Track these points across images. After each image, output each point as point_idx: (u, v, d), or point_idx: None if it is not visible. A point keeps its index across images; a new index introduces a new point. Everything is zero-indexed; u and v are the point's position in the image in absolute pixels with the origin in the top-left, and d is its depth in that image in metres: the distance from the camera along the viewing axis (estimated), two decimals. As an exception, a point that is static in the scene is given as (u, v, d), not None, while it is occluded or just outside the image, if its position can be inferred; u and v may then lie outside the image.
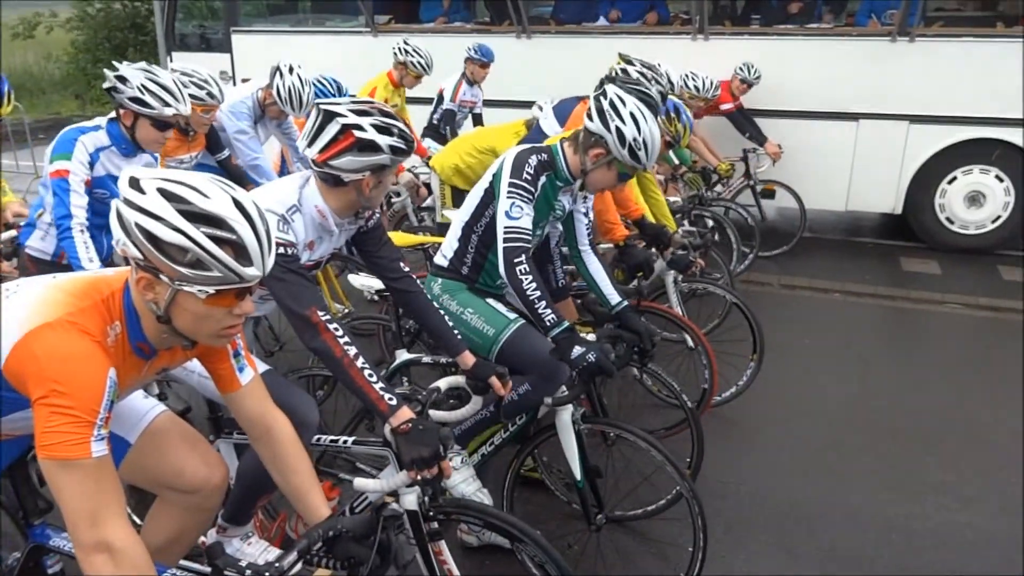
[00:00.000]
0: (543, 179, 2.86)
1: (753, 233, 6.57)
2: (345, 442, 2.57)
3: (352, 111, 2.31)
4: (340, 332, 2.27)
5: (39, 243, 3.41)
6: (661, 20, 8.00)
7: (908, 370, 4.98)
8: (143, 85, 3.11)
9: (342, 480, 2.90)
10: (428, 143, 6.57)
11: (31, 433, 1.55)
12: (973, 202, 7.12)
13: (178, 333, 1.70)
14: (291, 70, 4.73)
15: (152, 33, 14.95)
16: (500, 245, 2.78)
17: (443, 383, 2.61)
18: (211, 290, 1.60)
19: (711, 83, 6.39)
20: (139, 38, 15.98)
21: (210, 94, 4.00)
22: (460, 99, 6.64)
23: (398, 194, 5.98)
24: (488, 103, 7.02)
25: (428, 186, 5.89)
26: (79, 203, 3.12)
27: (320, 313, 2.27)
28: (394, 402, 2.18)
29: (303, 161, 4.82)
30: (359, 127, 2.29)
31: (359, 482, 2.19)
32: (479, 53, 6.60)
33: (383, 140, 2.29)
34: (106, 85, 3.18)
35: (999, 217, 7.09)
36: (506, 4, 7.84)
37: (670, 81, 5.58)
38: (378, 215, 2.66)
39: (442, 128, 6.71)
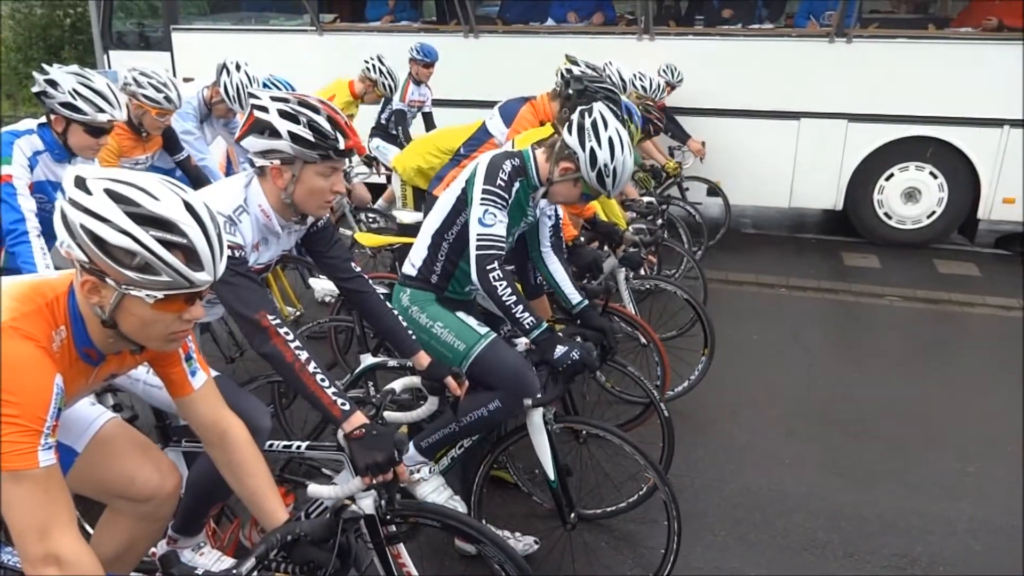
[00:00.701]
0: (517, 184, 2.82)
1: (700, 229, 6.68)
2: (299, 447, 2.52)
3: (271, 96, 2.26)
4: (291, 337, 2.22)
5: None
6: (607, 21, 8.07)
7: (852, 361, 5.12)
8: (75, 90, 3.00)
9: (298, 486, 2.84)
10: (377, 143, 6.51)
11: None
12: (909, 198, 7.36)
13: (124, 337, 1.65)
14: (238, 67, 4.63)
15: (86, 31, 14.52)
16: (473, 252, 2.73)
17: (397, 384, 2.58)
18: (159, 295, 1.56)
19: (658, 84, 6.46)
20: (76, 37, 15.47)
21: (167, 98, 3.93)
22: (409, 99, 6.61)
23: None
24: (437, 103, 6.99)
25: (376, 186, 5.85)
26: (29, 207, 3.02)
27: (270, 317, 2.22)
28: (347, 407, 2.14)
29: (250, 161, 4.75)
30: (263, 108, 2.23)
31: (313, 488, 2.14)
32: (421, 53, 6.57)
33: (283, 125, 2.20)
34: (35, 89, 3.05)
35: (934, 212, 7.35)
36: (453, 3, 7.82)
37: (622, 79, 5.65)
38: (327, 215, 2.60)
39: (392, 128, 6.66)
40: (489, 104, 7.52)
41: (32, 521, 1.45)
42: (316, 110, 2.22)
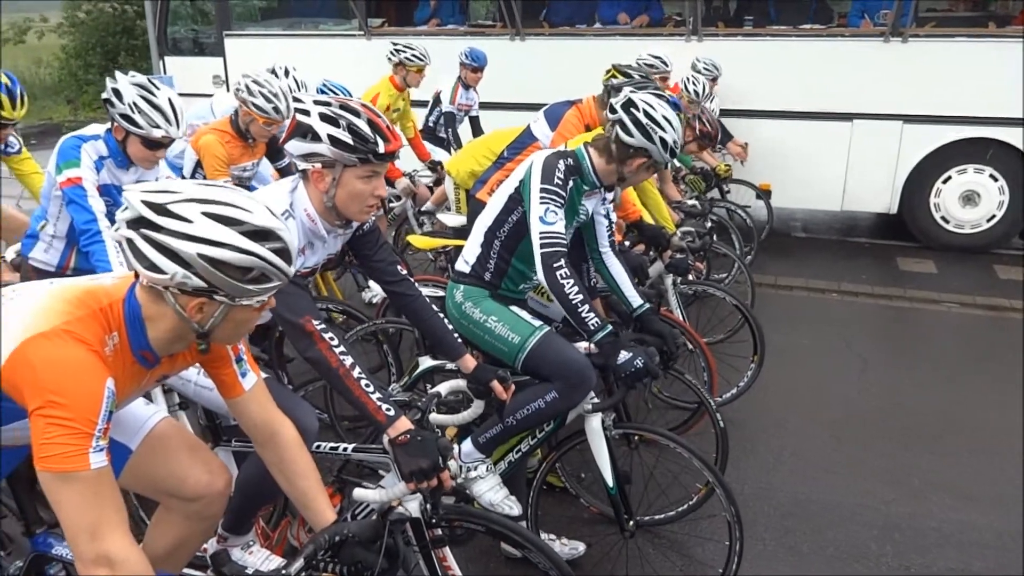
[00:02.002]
0: (571, 183, 2.82)
1: (751, 234, 6.57)
2: (345, 449, 2.54)
3: (313, 100, 2.27)
4: (335, 342, 2.24)
5: (42, 255, 3.37)
6: (654, 22, 8.00)
7: (907, 369, 4.99)
8: (135, 103, 3.05)
9: (346, 486, 2.87)
10: (427, 146, 6.54)
11: (30, 443, 1.52)
12: (968, 201, 7.14)
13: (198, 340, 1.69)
14: (287, 72, 4.70)
15: (143, 37, 14.94)
16: (537, 251, 2.72)
17: (443, 388, 2.59)
18: (266, 297, 1.65)
19: (706, 88, 6.37)
20: (130, 42, 15.93)
21: (276, 109, 3.98)
22: (458, 103, 6.63)
23: (397, 198, 5.96)
24: (484, 105, 7.00)
25: (431, 188, 5.89)
26: (99, 207, 3.09)
27: (315, 322, 2.24)
28: (392, 412, 2.15)
29: (294, 165, 4.83)
30: (305, 112, 2.24)
31: (359, 492, 2.16)
32: (470, 58, 6.59)
33: (323, 128, 2.20)
34: (104, 96, 3.13)
35: (994, 216, 7.12)
36: (500, 7, 7.85)
37: (656, 59, 5.79)
38: (373, 219, 2.62)
39: (441, 131, 6.70)
40: (535, 107, 7.52)
41: (83, 522, 1.48)
42: (357, 113, 2.23)
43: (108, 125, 3.19)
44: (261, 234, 1.60)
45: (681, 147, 2.94)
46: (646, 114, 2.81)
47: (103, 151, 3.19)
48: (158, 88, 3.13)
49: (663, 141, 2.80)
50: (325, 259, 2.60)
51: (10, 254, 3.63)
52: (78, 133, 3.21)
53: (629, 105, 2.85)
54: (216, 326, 1.66)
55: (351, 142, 2.20)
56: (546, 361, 2.78)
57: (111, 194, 3.22)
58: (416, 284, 2.70)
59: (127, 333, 1.68)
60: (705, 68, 6.79)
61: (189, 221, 1.56)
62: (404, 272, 2.66)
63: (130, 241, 1.58)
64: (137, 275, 1.65)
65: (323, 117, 2.21)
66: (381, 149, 2.22)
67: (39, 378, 1.50)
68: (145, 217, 1.57)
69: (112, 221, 3.09)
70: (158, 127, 3.08)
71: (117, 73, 3.19)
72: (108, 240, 3.04)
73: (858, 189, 7.33)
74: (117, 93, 3.07)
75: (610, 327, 2.72)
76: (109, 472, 1.53)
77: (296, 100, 2.35)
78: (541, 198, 2.74)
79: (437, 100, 6.77)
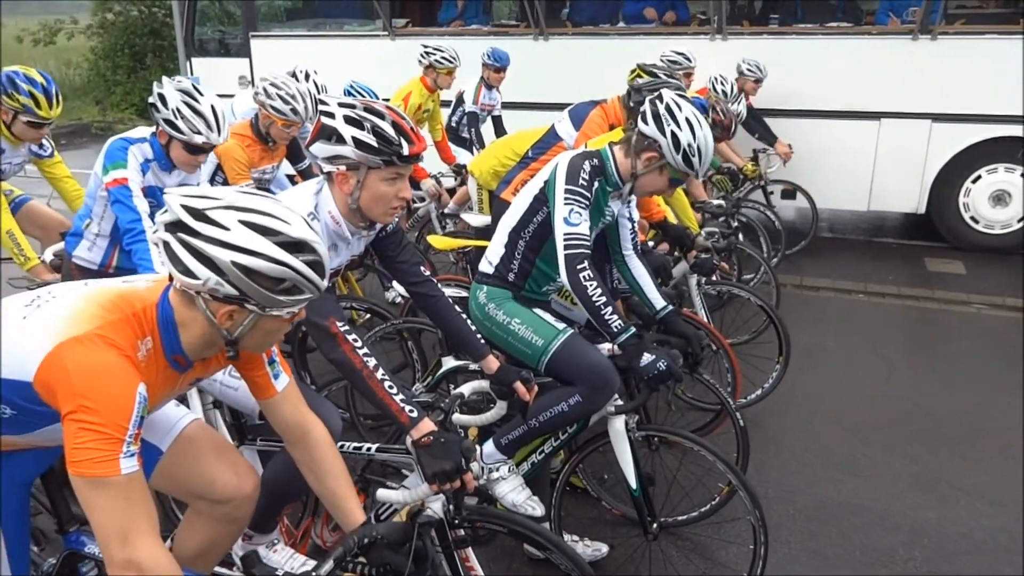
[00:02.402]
0: (596, 184, 2.81)
1: (779, 235, 6.51)
2: (368, 449, 2.56)
3: (338, 103, 2.27)
4: (359, 343, 2.26)
5: (86, 253, 3.43)
6: (680, 20, 7.95)
7: (935, 372, 4.92)
8: (178, 109, 3.10)
9: (369, 484, 2.88)
10: (452, 149, 6.55)
11: (63, 444, 1.54)
12: (998, 201, 7.02)
13: (226, 345, 1.71)
14: (307, 76, 4.73)
15: (170, 38, 15.10)
16: (561, 252, 2.71)
17: (466, 388, 2.59)
18: (296, 308, 1.65)
19: (734, 87, 6.33)
20: (157, 43, 16.11)
21: (294, 110, 4.02)
22: (480, 103, 6.64)
23: (422, 199, 5.98)
24: (507, 105, 7.00)
25: (452, 192, 5.90)
26: (143, 208, 3.16)
27: (339, 324, 2.25)
28: (415, 414, 2.17)
29: (319, 167, 4.86)
30: (330, 115, 2.25)
31: (383, 493, 2.17)
32: (493, 58, 6.59)
33: (348, 130, 2.20)
34: (150, 100, 3.18)
35: (1024, 217, 7.00)
36: (523, 6, 7.85)
37: (680, 54, 5.93)
38: (396, 221, 2.61)
39: (464, 131, 6.71)
40: (559, 107, 7.51)
41: (113, 527, 1.50)
42: (381, 116, 2.23)
43: (154, 128, 3.24)
44: (296, 245, 1.60)
45: (702, 162, 2.81)
46: (667, 107, 2.78)
47: (149, 154, 3.25)
48: (202, 95, 3.17)
49: (675, 137, 2.75)
50: (348, 260, 2.62)
51: (48, 255, 3.69)
52: (125, 135, 3.27)
53: (657, 97, 2.83)
54: (245, 334, 1.67)
55: (375, 144, 2.21)
56: (569, 364, 2.78)
57: (155, 195, 3.29)
58: (439, 285, 2.71)
59: (160, 337, 1.69)
60: (748, 69, 6.76)
61: (226, 228, 1.57)
62: (427, 273, 2.67)
63: (167, 244, 1.59)
64: (171, 279, 1.66)
65: (348, 119, 2.22)
66: (405, 151, 2.23)
67: (72, 382, 1.52)
68: (183, 221, 1.58)
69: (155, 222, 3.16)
70: (199, 133, 3.13)
71: (164, 78, 3.23)
72: (150, 239, 3.09)
73: (886, 189, 7.23)
74: (162, 98, 3.12)
75: (633, 329, 2.71)
76: (140, 477, 1.55)
77: (322, 103, 2.36)
78: (566, 199, 2.73)
79: (460, 100, 6.78)
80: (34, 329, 1.62)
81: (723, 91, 6.01)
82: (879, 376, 4.85)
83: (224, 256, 1.55)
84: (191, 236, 1.57)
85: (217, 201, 1.61)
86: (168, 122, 3.12)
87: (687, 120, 2.76)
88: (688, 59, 6.12)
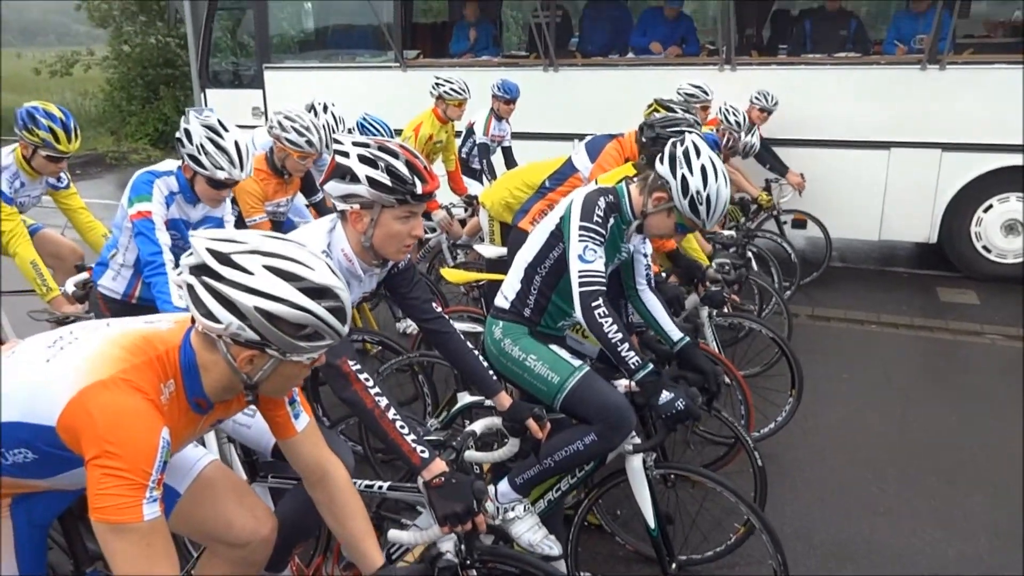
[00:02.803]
0: (611, 220, 2.80)
1: (793, 267, 6.48)
2: (380, 488, 2.54)
3: (353, 142, 2.29)
4: (371, 383, 2.26)
5: (111, 283, 3.46)
6: (687, 53, 7.99)
7: (951, 404, 4.86)
8: (202, 145, 3.14)
9: (384, 521, 2.85)
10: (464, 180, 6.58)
11: (83, 486, 1.53)
12: (1010, 230, 6.99)
13: (245, 389, 1.70)
14: (325, 108, 4.77)
15: (183, 68, 15.32)
16: (576, 289, 2.70)
17: (478, 426, 2.58)
18: (316, 355, 1.65)
19: (746, 118, 6.34)
20: (171, 73, 16.34)
21: (309, 142, 4.05)
22: (492, 133, 6.68)
23: (433, 230, 6.00)
24: (518, 135, 7.04)
25: (463, 223, 5.92)
26: (166, 241, 3.19)
27: (351, 363, 2.25)
28: (426, 454, 2.16)
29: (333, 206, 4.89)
30: (344, 154, 2.26)
31: (394, 534, 2.15)
32: (502, 90, 6.65)
33: (362, 170, 2.22)
34: (176, 135, 3.22)
35: (1037, 245, 6.96)
36: (533, 38, 7.93)
37: (698, 87, 5.97)
38: (408, 257, 2.61)
39: (475, 162, 6.75)
40: (569, 137, 7.60)
41: (135, 573, 1.49)
42: (395, 155, 2.25)
43: (180, 162, 3.28)
44: (318, 291, 1.60)
45: (710, 213, 2.76)
46: (685, 151, 2.77)
47: (174, 187, 3.29)
48: (226, 130, 3.20)
49: (684, 182, 2.72)
50: (360, 298, 2.62)
51: (69, 286, 3.72)
52: (152, 168, 3.32)
53: (680, 141, 2.82)
54: (265, 379, 1.67)
55: (389, 183, 2.22)
56: (586, 402, 2.76)
57: (179, 228, 3.33)
58: (451, 320, 2.70)
59: (183, 380, 1.69)
60: (756, 98, 6.80)
61: (250, 273, 1.57)
62: (439, 309, 2.67)
63: (191, 287, 1.60)
64: (193, 320, 1.66)
65: (362, 159, 2.24)
66: (419, 190, 2.24)
67: (96, 426, 1.52)
68: (208, 265, 1.59)
69: (176, 255, 3.19)
70: (222, 169, 3.16)
71: (190, 113, 3.28)
72: (170, 273, 3.13)
73: (896, 218, 7.22)
74: (187, 133, 3.16)
75: (651, 366, 2.69)
76: (162, 522, 1.54)
77: (336, 141, 2.37)
78: (580, 236, 2.73)
79: (470, 132, 6.84)
80: (58, 373, 1.62)
81: (736, 121, 6.03)
82: (895, 408, 4.80)
83: (247, 301, 1.56)
84: (215, 280, 1.58)
85: (243, 245, 1.61)
86: (192, 157, 3.16)
87: (702, 167, 2.73)
88: (705, 92, 6.13)
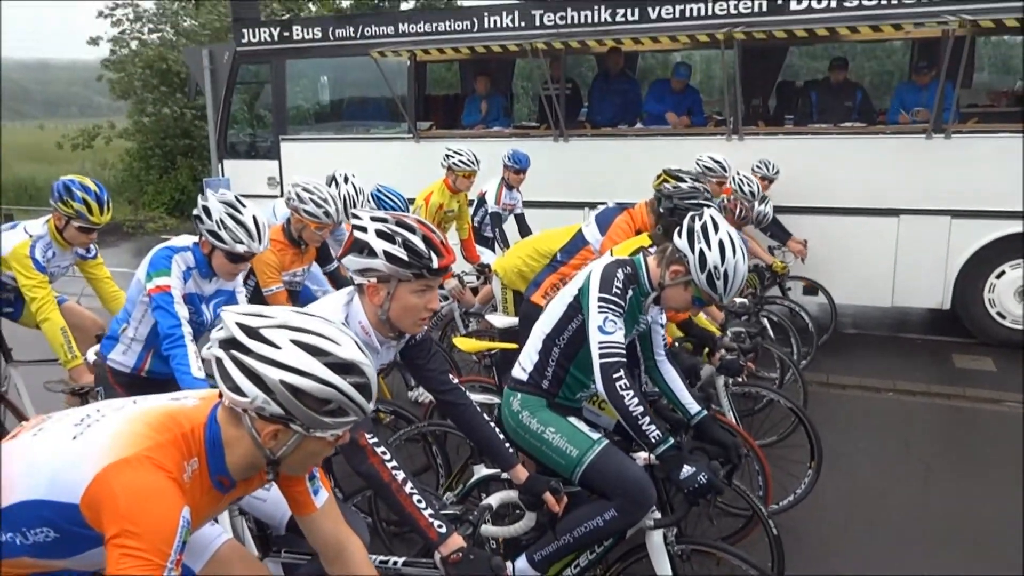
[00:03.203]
0: (630, 292, 2.82)
1: (809, 334, 6.43)
2: (396, 563, 2.49)
3: (371, 217, 2.33)
4: (388, 456, 2.25)
5: (120, 356, 3.46)
6: (694, 124, 8.15)
7: (973, 475, 4.77)
8: (222, 220, 3.22)
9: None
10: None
11: (104, 567, 1.51)
12: (1024, 296, 6.98)
13: (268, 466, 1.69)
14: (346, 179, 4.87)
15: (200, 139, 15.71)
16: (596, 361, 2.70)
17: (494, 499, 2.55)
18: (340, 431, 1.64)
19: (759, 188, 6.41)
20: (188, 143, 16.76)
21: (327, 213, 4.13)
22: (503, 202, 6.77)
23: (445, 298, 6.03)
24: (529, 204, 7.13)
25: (475, 291, 5.95)
26: (184, 314, 3.22)
27: (368, 437, 2.25)
28: (443, 529, 2.14)
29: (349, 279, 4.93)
30: (363, 228, 2.30)
31: None
32: (512, 160, 6.77)
33: (379, 244, 2.25)
34: (195, 212, 3.29)
35: (1053, 311, 6.92)
36: (544, 109, 8.12)
37: (717, 163, 5.90)
38: (425, 328, 2.61)
39: (487, 231, 6.82)
40: (580, 205, 7.69)
41: None
42: (412, 230, 2.29)
43: (196, 238, 3.35)
44: (344, 367, 1.60)
45: (727, 287, 2.76)
46: (703, 226, 2.79)
47: (191, 262, 3.34)
48: (244, 206, 3.28)
49: (702, 256, 2.73)
50: (377, 370, 2.62)
51: (91, 355, 3.75)
52: (170, 244, 3.37)
53: (699, 215, 2.84)
54: (288, 455, 1.67)
55: (406, 258, 2.26)
56: (605, 476, 2.73)
57: (194, 303, 3.37)
58: (466, 391, 2.69)
59: (207, 458, 1.69)
60: (757, 167, 6.88)
61: (277, 347, 1.58)
62: (455, 380, 2.67)
63: (219, 360, 1.61)
64: (220, 396, 1.67)
65: (379, 233, 2.28)
66: (435, 265, 2.27)
67: (118, 505, 1.51)
68: (236, 339, 1.60)
69: (192, 329, 3.20)
70: (242, 242, 3.22)
71: (207, 190, 3.37)
72: (189, 345, 3.16)
73: (908, 284, 7.22)
74: (206, 210, 3.24)
75: (672, 440, 2.66)
76: None
77: (354, 216, 2.42)
78: (600, 307, 2.73)
79: (482, 201, 6.92)
80: (84, 450, 1.62)
81: (749, 191, 6.09)
82: (916, 479, 4.71)
83: (273, 375, 1.56)
84: (242, 353, 1.59)
85: (271, 320, 1.64)
86: (212, 233, 3.22)
87: (720, 242, 2.74)
88: (723, 168, 6.13)
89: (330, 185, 4.85)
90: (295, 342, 1.59)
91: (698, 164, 6.11)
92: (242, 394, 1.58)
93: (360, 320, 2.39)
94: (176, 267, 3.27)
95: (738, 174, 6.18)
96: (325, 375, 1.57)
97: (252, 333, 1.61)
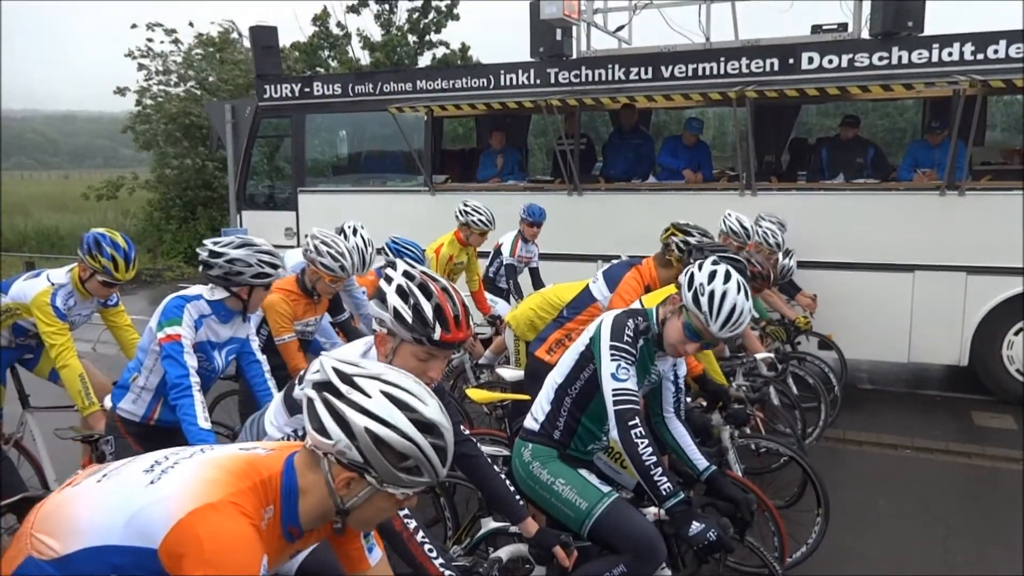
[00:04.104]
0: (641, 342, 2.82)
1: (832, 390, 6.35)
2: None
3: (403, 272, 2.33)
4: None
5: (130, 406, 3.48)
6: (705, 179, 8.23)
7: (994, 536, 4.65)
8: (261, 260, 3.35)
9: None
10: (488, 299, 6.66)
11: None
12: (1044, 354, 6.89)
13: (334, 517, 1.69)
14: (355, 231, 4.93)
15: (220, 190, 16.00)
16: (611, 408, 2.70)
17: (504, 552, 2.53)
18: (410, 491, 1.63)
19: (783, 242, 6.40)
20: (208, 195, 17.06)
21: (343, 267, 4.19)
22: (518, 255, 6.82)
23: (456, 350, 6.03)
24: (542, 256, 7.18)
25: (486, 343, 5.95)
26: (193, 364, 3.26)
27: None
28: None
29: (366, 319, 4.95)
30: (389, 280, 2.31)
31: None
32: (528, 213, 6.83)
33: (393, 300, 2.25)
34: (201, 258, 3.36)
35: (1073, 369, 6.83)
36: (558, 164, 8.23)
37: (743, 227, 5.74)
38: (439, 382, 2.61)
39: (501, 282, 6.85)
40: (593, 258, 7.74)
41: None
42: (429, 295, 2.26)
43: (210, 287, 3.41)
44: (428, 426, 1.61)
45: (715, 312, 2.74)
46: (700, 263, 2.81)
47: (204, 310, 3.39)
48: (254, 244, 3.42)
49: (691, 278, 2.75)
50: None
51: (107, 403, 3.77)
52: (182, 294, 3.42)
53: (706, 263, 2.84)
54: (357, 506, 1.66)
55: (409, 321, 2.24)
56: (615, 531, 2.70)
57: (206, 350, 3.41)
58: (477, 443, 2.69)
59: (281, 507, 1.68)
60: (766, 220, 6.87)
61: (368, 395, 1.61)
62: (467, 432, 2.66)
63: (311, 401, 1.64)
64: (295, 446, 1.69)
65: (398, 289, 2.28)
66: (436, 336, 2.22)
67: (203, 550, 1.50)
68: (331, 382, 1.64)
69: (203, 376, 3.25)
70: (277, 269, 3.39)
71: (207, 243, 3.44)
72: (196, 396, 3.19)
73: (925, 341, 7.16)
74: (238, 261, 3.33)
75: (683, 494, 2.64)
76: None
77: (390, 265, 2.43)
78: (612, 355, 2.74)
79: (498, 252, 6.97)
80: (163, 494, 1.61)
81: (775, 243, 6.11)
82: (935, 539, 4.61)
83: (359, 421, 1.59)
84: (334, 397, 1.62)
85: (366, 370, 1.67)
86: (259, 275, 3.34)
87: (712, 271, 2.76)
88: (748, 235, 5.96)
89: (339, 235, 4.88)
90: (385, 394, 1.62)
91: (725, 222, 5.98)
92: (327, 436, 1.61)
93: None
94: (188, 316, 3.31)
95: (760, 227, 6.19)
96: (408, 430, 1.59)
97: (346, 379, 1.64)
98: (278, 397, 2.61)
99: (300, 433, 2.50)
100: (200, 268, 3.39)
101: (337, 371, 1.65)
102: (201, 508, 1.55)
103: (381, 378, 1.65)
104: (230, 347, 3.52)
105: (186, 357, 3.23)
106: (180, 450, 1.80)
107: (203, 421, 3.14)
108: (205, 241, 3.44)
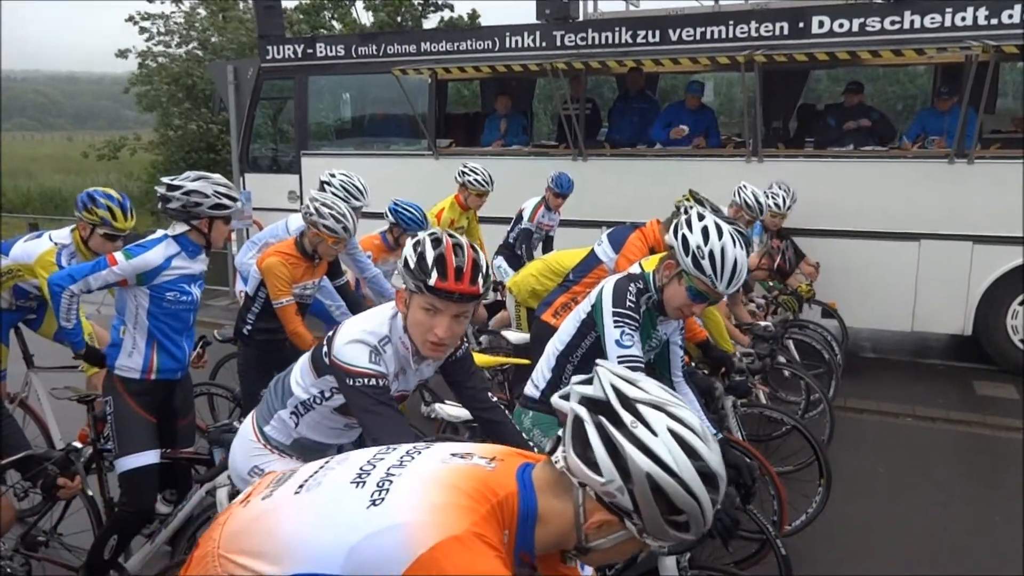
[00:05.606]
0: (643, 306, 2.79)
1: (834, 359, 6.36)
2: None
3: (427, 235, 2.27)
4: None
5: (127, 360, 3.43)
6: (710, 146, 8.14)
7: (994, 504, 4.68)
8: (217, 191, 3.35)
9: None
10: (499, 262, 6.57)
11: None
12: (1048, 324, 6.87)
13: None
14: (333, 175, 4.94)
15: (224, 153, 15.91)
16: None
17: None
18: (667, 546, 1.41)
19: (787, 202, 6.37)
20: (212, 157, 16.97)
21: (345, 228, 4.16)
22: (538, 220, 6.69)
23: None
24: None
25: (490, 307, 5.95)
26: (94, 286, 3.30)
27: None
28: None
29: (371, 282, 4.92)
30: (418, 243, 2.25)
31: None
32: (555, 183, 6.59)
33: (408, 249, 2.21)
34: (166, 199, 3.33)
35: (1077, 339, 6.81)
36: (563, 129, 8.14)
37: (757, 201, 5.67)
38: (466, 346, 2.57)
39: (517, 248, 6.74)
40: (597, 224, 7.68)
41: None
42: (437, 243, 2.20)
43: (173, 231, 3.41)
44: (711, 478, 1.36)
45: (717, 271, 2.70)
46: (687, 219, 2.75)
47: (172, 249, 3.37)
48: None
49: (684, 240, 2.68)
50: (415, 384, 2.57)
51: None
52: (143, 243, 3.40)
53: (693, 220, 2.78)
54: (601, 548, 1.44)
55: (411, 267, 2.19)
56: None
57: (181, 287, 3.41)
58: (504, 410, 2.66)
59: (516, 531, 1.47)
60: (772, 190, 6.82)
61: (654, 433, 1.37)
62: (495, 399, 2.63)
63: (579, 420, 1.42)
64: (520, 456, 1.55)
65: (415, 241, 2.24)
66: (431, 282, 2.15)
67: None
68: (611, 405, 1.41)
69: (180, 310, 3.40)
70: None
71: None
72: (64, 300, 3.35)
73: (929, 310, 7.14)
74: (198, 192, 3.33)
75: None
76: None
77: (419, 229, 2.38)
78: (615, 322, 2.72)
79: (520, 217, 6.78)
80: (393, 522, 1.41)
81: (775, 204, 6.13)
82: (934, 506, 4.64)
83: (642, 464, 1.34)
84: (614, 425, 1.38)
85: (647, 394, 1.43)
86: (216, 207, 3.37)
87: (703, 228, 2.70)
88: (760, 209, 5.82)
89: (322, 190, 4.83)
90: (673, 432, 1.37)
91: (740, 194, 5.81)
92: (595, 471, 1.36)
93: (401, 335, 2.35)
94: (154, 255, 3.30)
95: (767, 191, 6.14)
96: (694, 484, 1.34)
97: (628, 404, 1.40)
98: (305, 356, 2.56)
99: (326, 395, 2.49)
100: (159, 204, 3.39)
101: (617, 391, 1.41)
102: (447, 541, 1.35)
103: (666, 409, 1.40)
104: (202, 280, 3.56)
105: (92, 279, 3.28)
106: (387, 457, 1.58)
107: (64, 323, 3.41)
108: (162, 179, 3.45)
